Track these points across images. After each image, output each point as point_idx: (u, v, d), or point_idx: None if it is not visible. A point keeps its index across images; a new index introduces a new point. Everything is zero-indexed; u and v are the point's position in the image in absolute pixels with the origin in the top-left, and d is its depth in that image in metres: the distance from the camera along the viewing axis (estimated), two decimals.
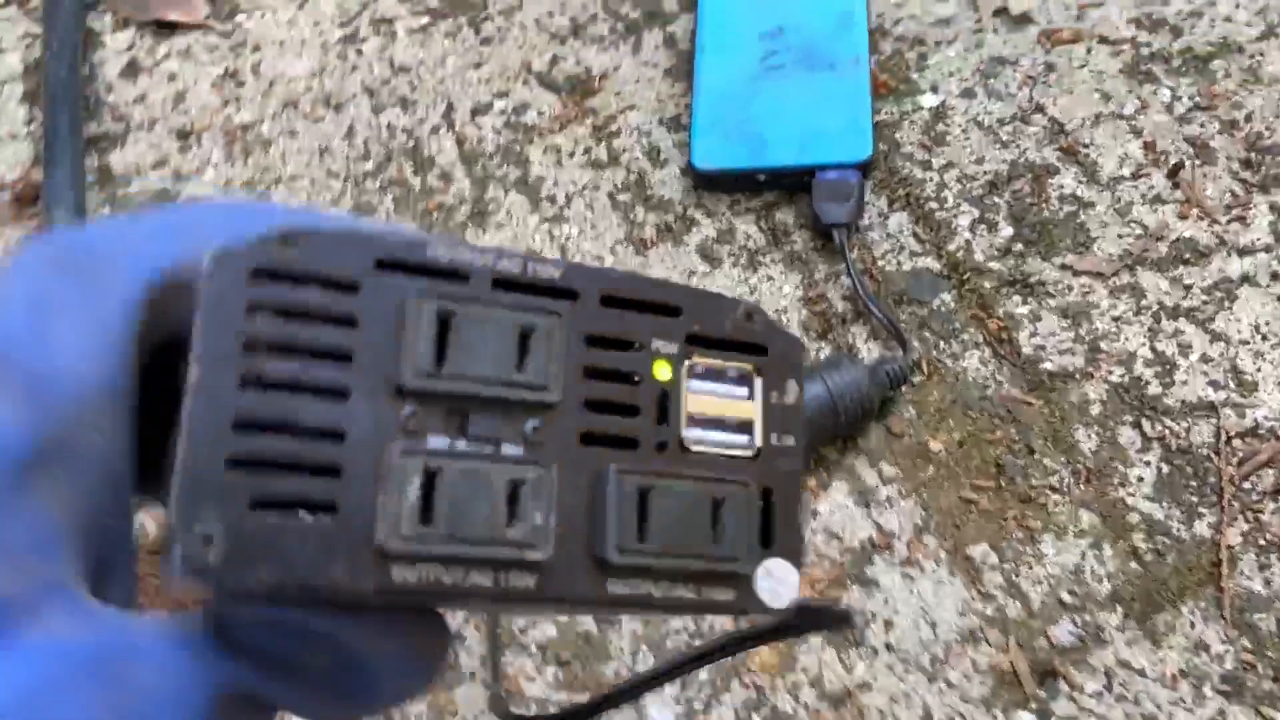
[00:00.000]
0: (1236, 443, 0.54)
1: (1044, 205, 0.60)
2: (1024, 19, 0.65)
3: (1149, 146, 0.61)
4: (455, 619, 0.54)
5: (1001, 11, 0.65)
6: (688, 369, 0.22)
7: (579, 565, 0.20)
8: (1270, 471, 0.54)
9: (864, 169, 0.61)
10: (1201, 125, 0.61)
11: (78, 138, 0.68)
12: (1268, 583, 0.52)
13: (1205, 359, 0.56)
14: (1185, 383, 0.56)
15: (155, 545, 0.53)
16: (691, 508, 0.21)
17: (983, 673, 0.52)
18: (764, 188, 0.63)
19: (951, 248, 0.60)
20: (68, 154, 0.67)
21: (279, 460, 0.19)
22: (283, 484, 0.19)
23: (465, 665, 0.54)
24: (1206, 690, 0.51)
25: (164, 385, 0.20)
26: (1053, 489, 0.55)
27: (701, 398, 0.22)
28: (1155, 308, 0.57)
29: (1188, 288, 0.58)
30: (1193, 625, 0.52)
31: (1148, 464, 0.55)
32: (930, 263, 0.60)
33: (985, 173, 0.62)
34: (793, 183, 0.62)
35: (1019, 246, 0.60)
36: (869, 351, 0.59)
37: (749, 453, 0.22)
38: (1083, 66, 0.63)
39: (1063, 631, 0.53)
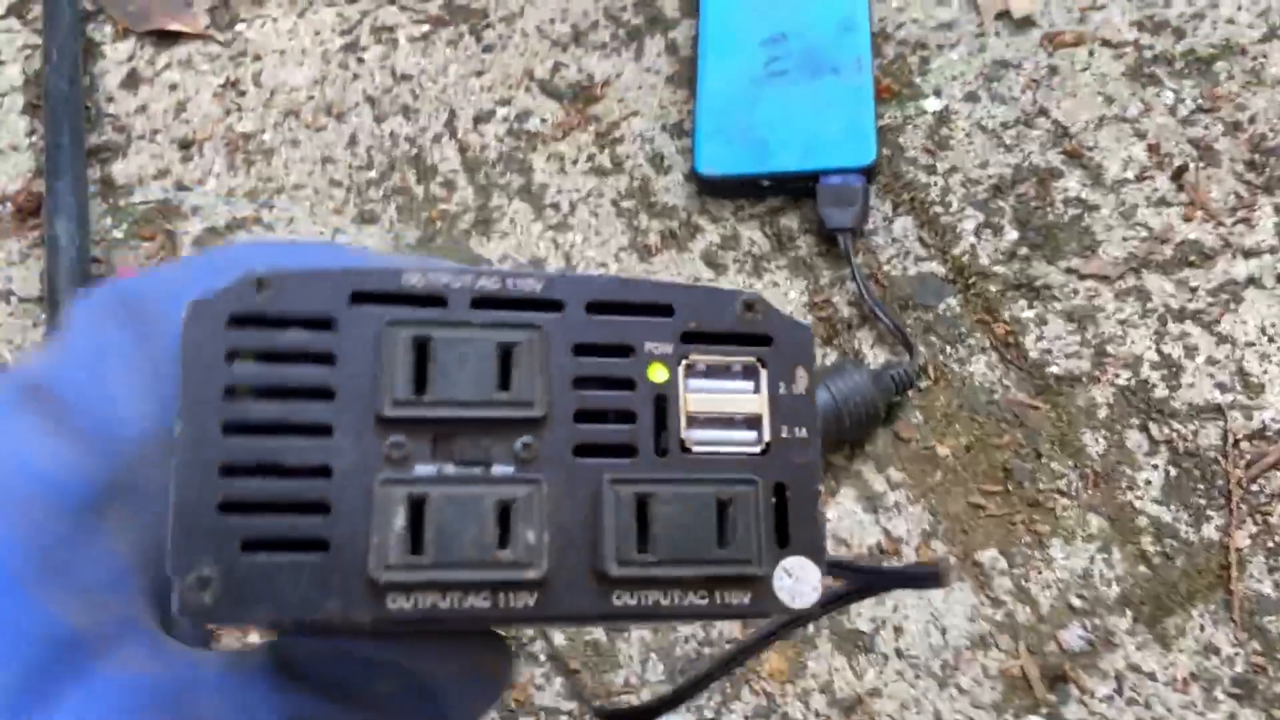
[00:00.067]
0: (1244, 445, 0.54)
1: (1049, 209, 0.60)
2: (1026, 22, 0.65)
3: (1153, 149, 0.61)
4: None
5: (1003, 15, 0.65)
6: (686, 368, 0.22)
7: (581, 580, 0.20)
8: (1278, 473, 0.54)
9: (868, 173, 0.61)
10: (1205, 127, 0.61)
11: (79, 149, 0.68)
12: (1277, 585, 0.52)
13: (1212, 361, 0.56)
14: (1192, 385, 0.56)
15: None
16: (695, 512, 0.21)
17: (993, 678, 0.52)
18: (768, 193, 0.63)
19: (957, 252, 0.60)
20: (69, 165, 0.67)
21: (268, 502, 0.19)
22: (273, 524, 0.19)
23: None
24: (1218, 694, 0.51)
25: None
26: (1061, 493, 0.55)
27: (703, 396, 0.22)
28: (1161, 310, 0.57)
29: (1193, 290, 0.58)
30: (1202, 628, 0.52)
31: (1155, 467, 0.55)
32: (935, 267, 0.60)
33: (989, 176, 0.62)
34: (797, 188, 0.62)
35: (1024, 250, 0.60)
36: (875, 357, 0.59)
37: (758, 449, 0.22)
38: (1085, 69, 0.63)
39: (1072, 636, 0.52)
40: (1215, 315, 0.57)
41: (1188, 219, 0.59)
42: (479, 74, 0.70)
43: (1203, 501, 0.54)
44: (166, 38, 0.72)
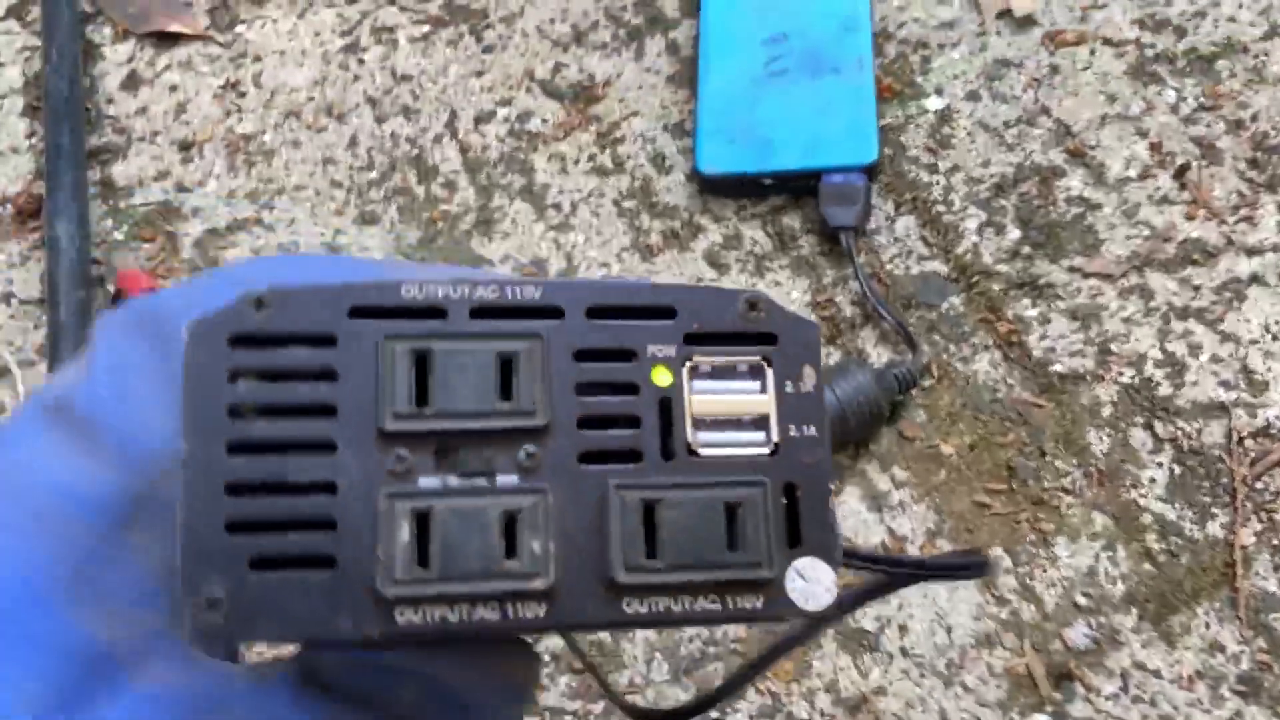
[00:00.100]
0: (1248, 443, 0.54)
1: (1051, 207, 0.60)
2: (1027, 21, 0.65)
3: (1155, 147, 0.61)
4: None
5: (1005, 14, 0.65)
6: (690, 370, 0.21)
7: (590, 588, 0.20)
8: None
9: (870, 172, 0.61)
10: (1207, 126, 0.61)
11: (79, 150, 0.68)
12: None
13: (1215, 359, 0.56)
14: (1196, 383, 0.56)
15: None
16: (703, 516, 0.20)
17: (998, 676, 0.52)
18: (769, 192, 0.63)
19: (959, 251, 0.60)
20: (70, 167, 0.67)
21: (274, 520, 0.19)
22: (280, 542, 0.19)
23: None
24: (1223, 691, 0.51)
25: None
26: (1065, 491, 0.55)
27: (708, 398, 0.21)
28: (1164, 308, 0.57)
29: (1196, 288, 0.58)
30: (1208, 626, 0.52)
31: (1160, 465, 0.55)
32: (938, 266, 0.60)
33: (992, 175, 0.62)
34: (799, 187, 0.62)
35: (1027, 249, 0.60)
36: (878, 356, 0.59)
37: (766, 450, 0.21)
38: (1087, 68, 0.63)
39: (1078, 634, 0.52)
40: (1219, 313, 0.57)
41: (1190, 217, 0.59)
42: (479, 74, 0.70)
43: (1207, 499, 0.54)
44: (166, 39, 0.72)
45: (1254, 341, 0.56)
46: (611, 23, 0.70)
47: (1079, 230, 0.60)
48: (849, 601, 0.25)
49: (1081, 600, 0.53)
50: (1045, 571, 0.53)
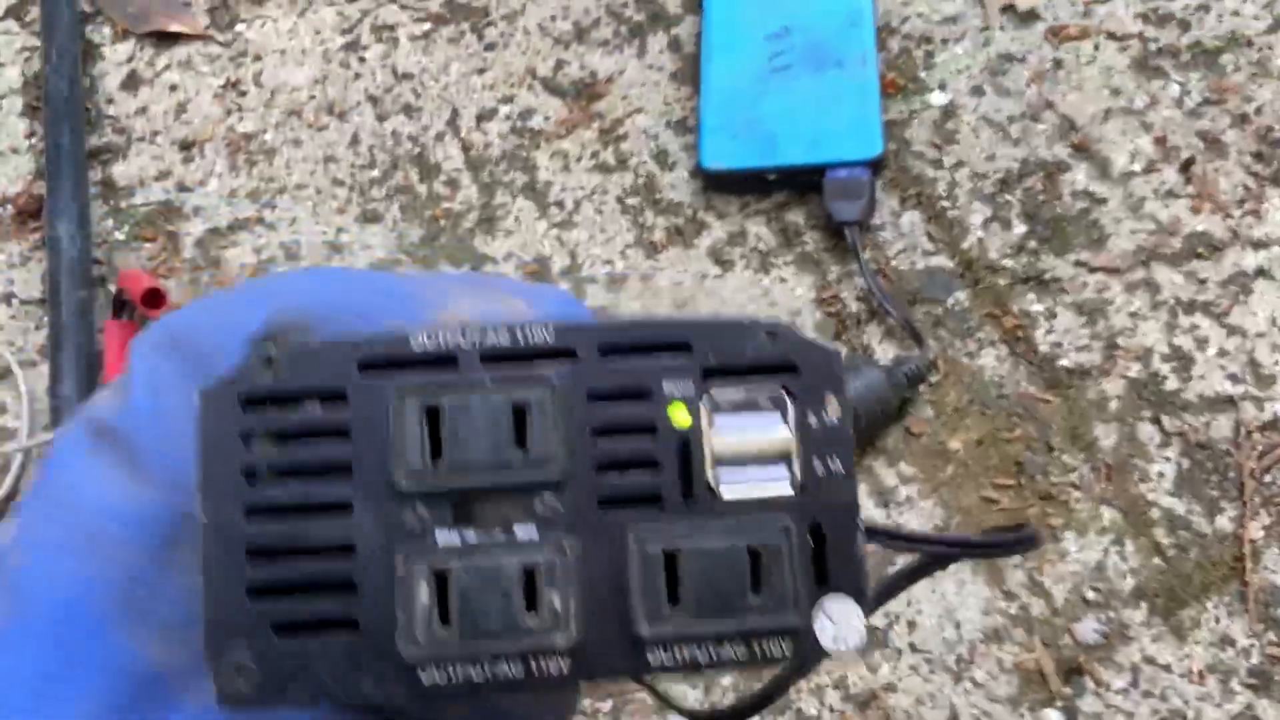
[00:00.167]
0: (1256, 436, 0.54)
1: (1056, 202, 0.60)
2: (1031, 16, 0.65)
3: (1160, 141, 0.61)
4: None
5: (1008, 8, 0.65)
6: (709, 407, 0.20)
7: (613, 639, 0.19)
8: None
9: (874, 167, 0.61)
10: (1212, 119, 0.61)
11: (79, 150, 0.68)
12: None
13: (1222, 353, 0.56)
14: (1203, 377, 0.56)
15: None
16: (726, 564, 0.20)
17: (1008, 671, 0.52)
18: (774, 188, 0.63)
19: (965, 246, 0.60)
20: (70, 167, 0.67)
21: (295, 583, 0.19)
22: (302, 606, 0.19)
23: None
24: (1234, 685, 0.50)
25: None
26: (1073, 486, 0.55)
27: (729, 436, 0.20)
28: (1171, 303, 0.57)
29: (1203, 282, 0.58)
30: (1217, 620, 0.52)
31: (1168, 459, 0.55)
32: (944, 261, 0.60)
33: (996, 170, 0.62)
34: (803, 182, 0.62)
35: (1032, 244, 0.60)
36: (884, 351, 0.58)
37: (791, 489, 0.20)
38: (1091, 63, 0.63)
39: (1087, 629, 0.52)
40: (1225, 307, 0.57)
41: (1196, 211, 0.59)
42: (481, 72, 0.69)
43: (1216, 493, 0.54)
44: (166, 39, 0.72)
45: (1261, 335, 0.56)
46: (613, 19, 0.70)
47: (1084, 225, 0.60)
48: (897, 583, 0.25)
49: (1090, 595, 0.53)
50: (1054, 566, 0.53)
